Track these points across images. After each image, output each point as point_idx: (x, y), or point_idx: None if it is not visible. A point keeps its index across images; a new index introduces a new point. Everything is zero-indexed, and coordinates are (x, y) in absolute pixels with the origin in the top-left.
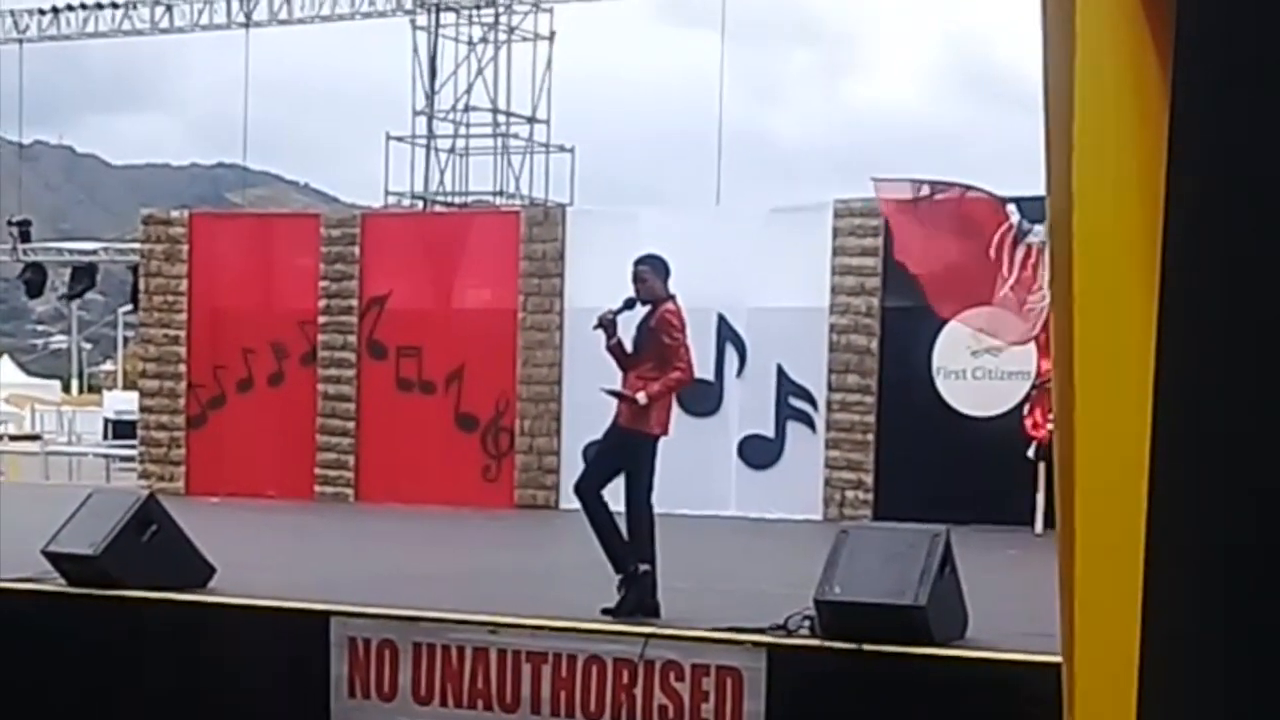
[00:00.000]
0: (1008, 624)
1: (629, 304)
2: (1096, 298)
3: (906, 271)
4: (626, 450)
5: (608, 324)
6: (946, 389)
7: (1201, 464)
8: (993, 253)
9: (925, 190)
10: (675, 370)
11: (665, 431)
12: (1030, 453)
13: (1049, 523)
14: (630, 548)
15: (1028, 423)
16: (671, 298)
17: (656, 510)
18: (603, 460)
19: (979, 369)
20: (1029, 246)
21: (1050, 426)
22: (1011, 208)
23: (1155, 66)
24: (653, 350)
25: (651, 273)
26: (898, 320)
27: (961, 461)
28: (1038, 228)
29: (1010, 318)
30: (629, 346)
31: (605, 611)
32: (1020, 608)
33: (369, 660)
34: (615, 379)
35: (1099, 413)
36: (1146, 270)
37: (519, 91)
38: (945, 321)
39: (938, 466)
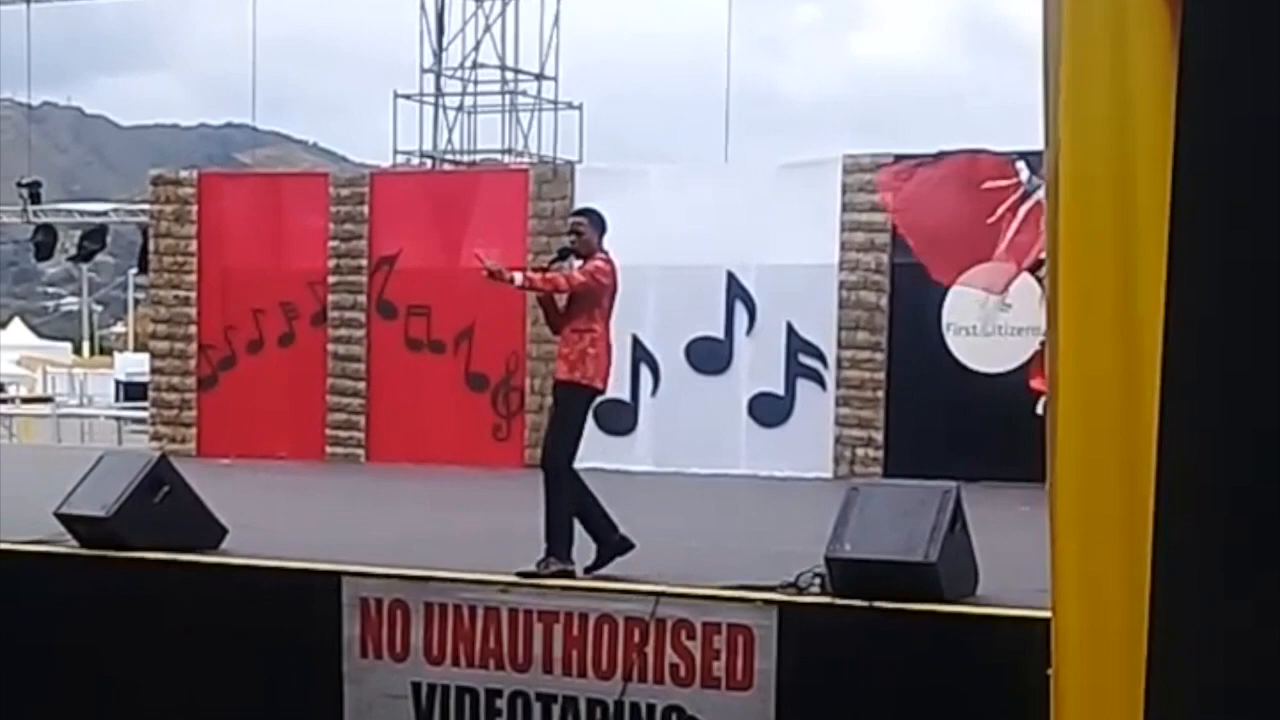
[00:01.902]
0: (1019, 581)
1: (563, 255)
2: (1079, 245)
3: (906, 243)
4: (560, 403)
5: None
6: (957, 345)
7: (1209, 412)
8: (999, 210)
9: (916, 166)
10: (567, 284)
11: (603, 386)
12: (1040, 408)
13: None
14: (549, 520)
15: (1033, 379)
16: (604, 253)
17: (666, 469)
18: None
19: (989, 325)
20: (1038, 202)
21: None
22: (1021, 164)
23: (1165, 22)
24: (584, 304)
25: (589, 225)
26: (908, 276)
27: (972, 418)
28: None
29: (1004, 268)
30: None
31: (588, 570)
32: (1031, 564)
33: (381, 620)
34: (623, 339)
35: (1087, 364)
36: (1145, 225)
37: (527, 48)
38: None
39: (949, 423)
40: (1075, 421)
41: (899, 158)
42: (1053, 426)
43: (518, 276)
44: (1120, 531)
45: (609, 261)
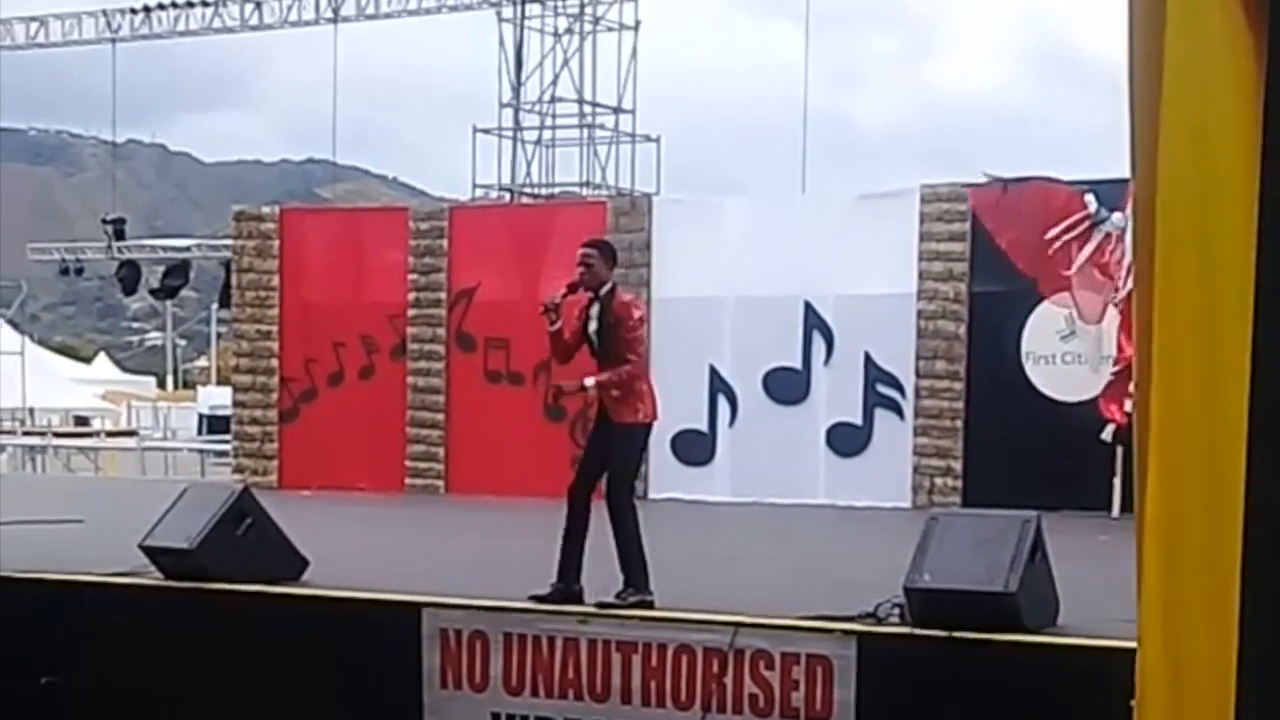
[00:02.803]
0: (1100, 611)
1: (572, 289)
2: (1176, 279)
3: (1007, 256)
4: (612, 442)
5: (551, 309)
6: (1036, 374)
7: None
8: (1069, 239)
9: (1005, 186)
10: (626, 363)
11: (656, 417)
12: (1106, 435)
13: (1125, 506)
14: (624, 553)
15: (1104, 405)
16: (626, 291)
17: (745, 499)
18: (590, 459)
19: (1068, 353)
20: (1107, 233)
21: (1129, 408)
22: (1090, 197)
23: (1248, 49)
24: (617, 343)
25: (599, 258)
26: (986, 305)
27: (1052, 447)
28: (1115, 215)
29: (1090, 297)
30: (577, 337)
31: (533, 598)
32: (1112, 594)
33: (460, 651)
34: (701, 370)
35: (1174, 395)
36: (1229, 253)
37: (604, 82)
38: (1034, 306)
39: (1028, 452)
40: (1163, 453)
41: (992, 179)
42: (1141, 458)
43: (589, 382)
44: (1206, 563)
45: (637, 305)
